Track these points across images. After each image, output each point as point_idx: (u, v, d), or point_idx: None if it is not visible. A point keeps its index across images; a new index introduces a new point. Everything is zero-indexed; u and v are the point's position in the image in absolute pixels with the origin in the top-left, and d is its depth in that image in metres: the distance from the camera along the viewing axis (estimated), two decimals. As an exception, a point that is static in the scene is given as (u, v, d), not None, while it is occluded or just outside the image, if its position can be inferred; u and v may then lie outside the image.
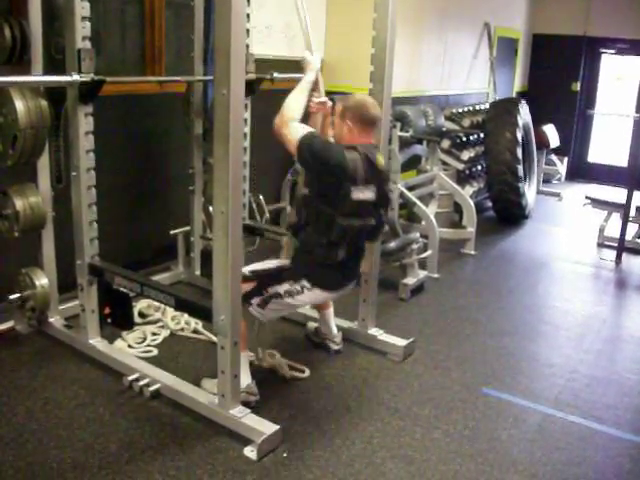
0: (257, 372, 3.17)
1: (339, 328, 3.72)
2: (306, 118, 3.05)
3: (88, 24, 2.99)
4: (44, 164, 3.35)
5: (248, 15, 3.75)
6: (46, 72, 3.16)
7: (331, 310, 3.65)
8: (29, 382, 3.14)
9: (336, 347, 3.66)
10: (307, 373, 3.39)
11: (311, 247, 2.92)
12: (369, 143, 2.97)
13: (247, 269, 3.04)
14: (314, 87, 3.14)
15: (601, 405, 3.38)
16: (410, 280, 4.62)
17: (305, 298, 2.99)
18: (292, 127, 2.86)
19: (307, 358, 3.56)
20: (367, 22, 3.41)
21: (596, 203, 6.56)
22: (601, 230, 6.41)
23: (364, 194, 2.85)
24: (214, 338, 3.28)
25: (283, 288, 2.95)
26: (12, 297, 3.46)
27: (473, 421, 3.12)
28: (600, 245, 6.38)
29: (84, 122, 3.08)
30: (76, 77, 2.95)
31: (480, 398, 3.34)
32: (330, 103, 3.18)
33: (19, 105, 2.96)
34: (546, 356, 3.92)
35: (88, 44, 2.99)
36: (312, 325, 3.78)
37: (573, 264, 5.83)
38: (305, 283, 2.94)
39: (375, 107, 2.98)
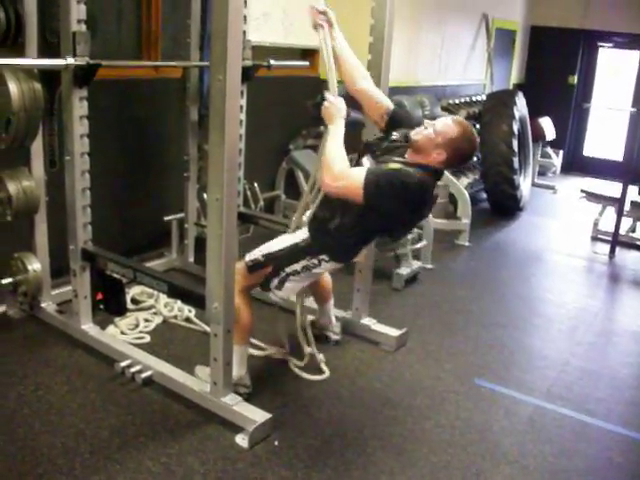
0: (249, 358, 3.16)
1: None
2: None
3: (84, 7, 2.95)
4: (38, 148, 3.32)
5: (245, 1, 3.71)
6: (41, 55, 3.12)
7: (331, 302, 3.61)
8: (20, 367, 3.13)
9: (335, 337, 3.64)
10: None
11: (335, 235, 2.84)
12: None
13: (260, 253, 2.95)
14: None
15: (592, 398, 3.39)
16: (404, 270, 4.62)
17: (322, 269, 2.96)
18: (349, 173, 2.64)
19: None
20: (365, 10, 3.38)
21: (591, 196, 6.55)
22: (595, 224, 6.42)
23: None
24: (207, 328, 3.27)
25: (300, 265, 2.90)
26: (4, 282, 3.44)
27: (465, 412, 3.12)
28: (594, 239, 6.39)
29: (78, 106, 3.06)
30: (71, 61, 2.92)
31: (472, 389, 3.34)
32: (332, 13, 2.92)
33: (13, 88, 2.92)
34: (539, 348, 3.93)
35: (83, 27, 2.95)
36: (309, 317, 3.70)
37: (567, 257, 5.84)
38: (324, 257, 2.89)
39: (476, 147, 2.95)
